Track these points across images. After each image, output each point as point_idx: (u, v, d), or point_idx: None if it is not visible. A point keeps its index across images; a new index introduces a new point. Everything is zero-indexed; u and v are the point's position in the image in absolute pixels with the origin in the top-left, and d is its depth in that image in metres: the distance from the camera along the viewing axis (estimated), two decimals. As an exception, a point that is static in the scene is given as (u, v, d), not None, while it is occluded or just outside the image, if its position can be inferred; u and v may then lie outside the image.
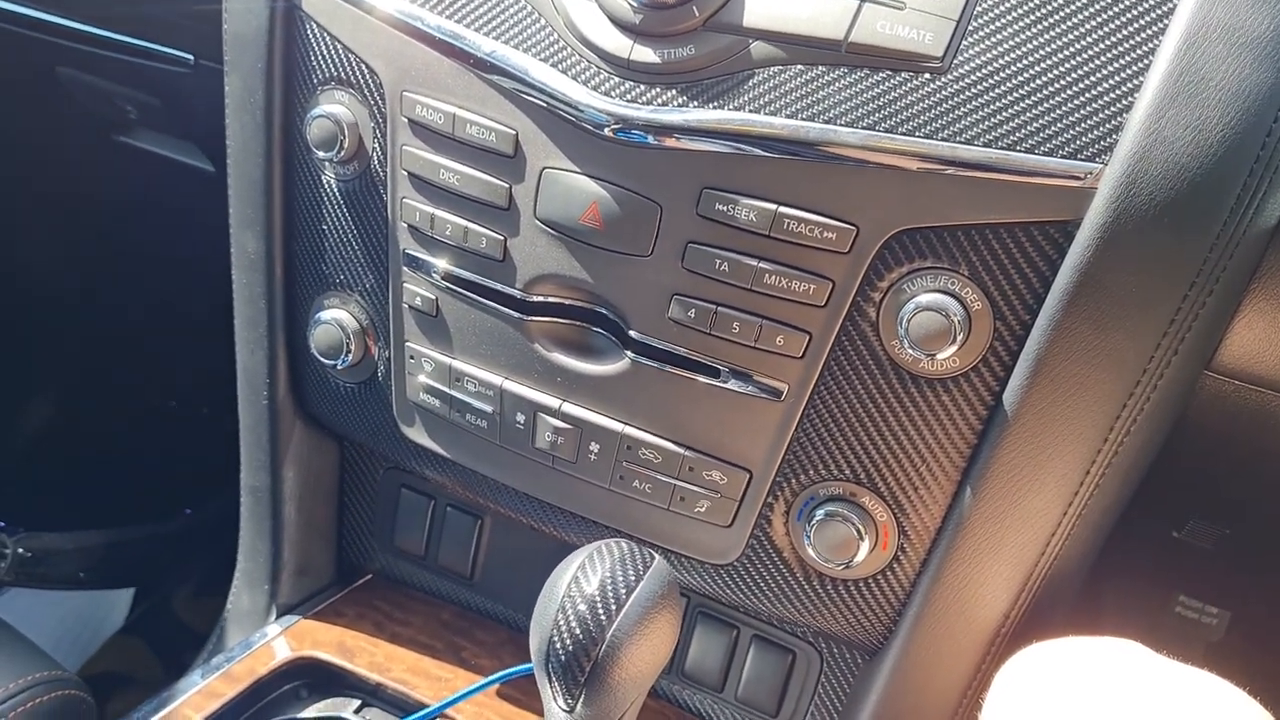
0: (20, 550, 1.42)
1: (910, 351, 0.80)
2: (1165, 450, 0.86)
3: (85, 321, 1.68)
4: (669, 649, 0.75)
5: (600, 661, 0.71)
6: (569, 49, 0.84)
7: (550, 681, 0.74)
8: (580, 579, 0.73)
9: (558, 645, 0.72)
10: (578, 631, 0.71)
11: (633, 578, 0.73)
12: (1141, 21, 0.73)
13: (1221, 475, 0.93)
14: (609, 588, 0.73)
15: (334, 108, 0.94)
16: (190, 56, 1.32)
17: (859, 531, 0.86)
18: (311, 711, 1.08)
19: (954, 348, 0.79)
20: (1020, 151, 0.74)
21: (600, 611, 0.72)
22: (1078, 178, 0.74)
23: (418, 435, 1.03)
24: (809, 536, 0.88)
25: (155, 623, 1.89)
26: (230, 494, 1.24)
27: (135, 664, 1.81)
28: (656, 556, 0.75)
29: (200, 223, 1.46)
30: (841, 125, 0.78)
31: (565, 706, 0.74)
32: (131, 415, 1.78)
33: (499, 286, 0.92)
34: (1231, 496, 0.98)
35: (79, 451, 1.75)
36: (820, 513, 0.87)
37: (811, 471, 0.88)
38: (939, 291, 0.78)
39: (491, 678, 1.01)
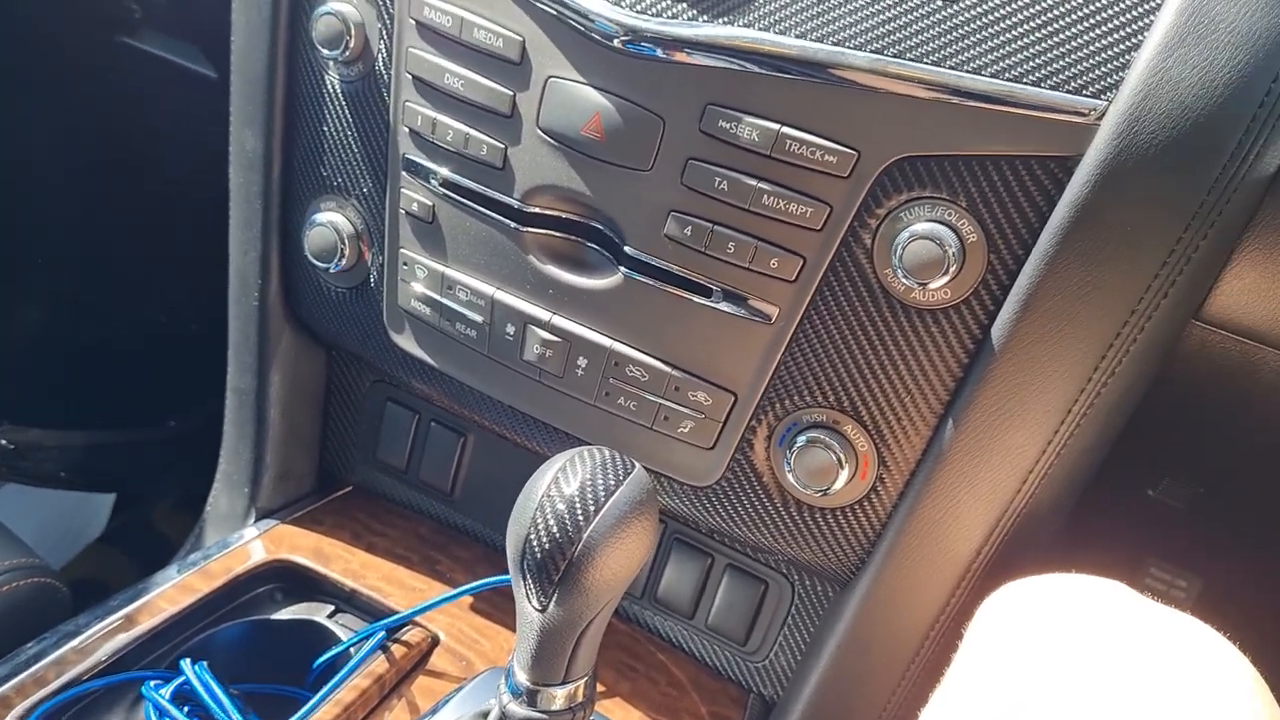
0: (3, 441, 1.42)
1: (903, 280, 0.80)
2: (1147, 401, 0.87)
3: (83, 225, 1.67)
4: (644, 556, 0.76)
5: (575, 561, 0.72)
6: (580, -44, 0.84)
7: (525, 579, 0.74)
8: (560, 480, 0.74)
9: (534, 543, 0.73)
10: (555, 530, 0.72)
11: (612, 483, 0.74)
12: (1156, -41, 0.72)
13: (1200, 430, 0.94)
14: (588, 490, 0.73)
15: (342, 6, 0.94)
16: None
17: (839, 459, 0.87)
18: (285, 614, 1.09)
19: (946, 278, 0.79)
20: (1027, 84, 0.75)
21: (579, 512, 0.72)
22: (1082, 114, 0.74)
23: (407, 343, 1.03)
24: (789, 462, 0.89)
25: (134, 532, 1.90)
26: (214, 408, 1.23)
27: (112, 571, 1.82)
28: (637, 464, 0.76)
29: (198, 131, 1.44)
30: (851, 47, 0.77)
31: (538, 606, 0.74)
32: (122, 322, 1.77)
33: (497, 195, 0.92)
34: (1208, 453, 0.99)
35: (68, 352, 1.74)
36: (802, 439, 0.88)
37: (796, 397, 0.88)
38: (935, 221, 0.78)
39: (466, 587, 1.02)
